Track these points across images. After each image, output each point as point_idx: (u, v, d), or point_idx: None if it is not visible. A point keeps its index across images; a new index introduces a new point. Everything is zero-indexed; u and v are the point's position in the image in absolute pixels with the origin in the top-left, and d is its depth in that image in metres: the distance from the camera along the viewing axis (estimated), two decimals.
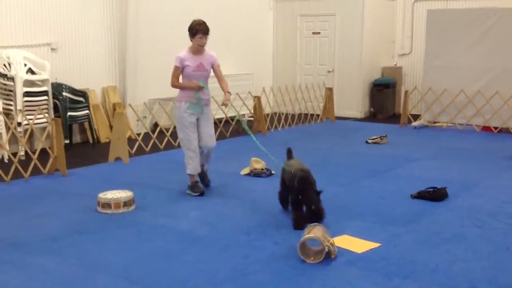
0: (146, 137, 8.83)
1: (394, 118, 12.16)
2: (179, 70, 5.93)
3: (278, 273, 4.06)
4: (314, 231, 4.35)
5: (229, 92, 6.02)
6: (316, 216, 4.98)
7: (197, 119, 6.10)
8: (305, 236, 4.31)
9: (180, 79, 6.05)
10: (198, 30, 5.78)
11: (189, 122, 6.01)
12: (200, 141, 6.14)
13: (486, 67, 10.23)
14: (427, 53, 10.95)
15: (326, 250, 4.21)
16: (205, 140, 6.16)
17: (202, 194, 6.10)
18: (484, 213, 5.47)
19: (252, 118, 10.66)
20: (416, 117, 11.42)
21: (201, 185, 6.26)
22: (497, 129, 10.30)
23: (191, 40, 5.89)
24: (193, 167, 6.10)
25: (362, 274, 4.03)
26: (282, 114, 10.96)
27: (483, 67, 10.26)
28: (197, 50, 5.94)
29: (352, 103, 12.74)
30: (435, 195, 5.86)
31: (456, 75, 10.52)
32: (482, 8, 10.47)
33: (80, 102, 9.08)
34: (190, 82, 5.97)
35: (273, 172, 7.13)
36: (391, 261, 4.27)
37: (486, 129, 10.44)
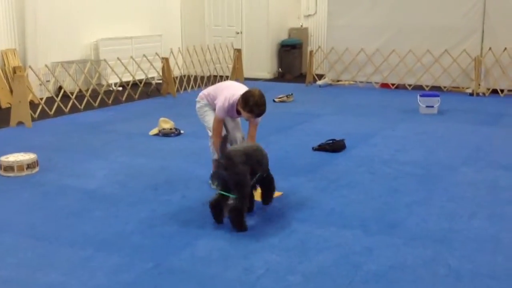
0: (50, 101, 8.60)
1: (301, 78, 12.55)
2: (222, 123, 4.89)
3: (184, 224, 4.23)
4: None
5: None
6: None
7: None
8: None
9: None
10: (253, 111, 4.60)
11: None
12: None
13: (384, 26, 10.78)
14: (329, 13, 11.37)
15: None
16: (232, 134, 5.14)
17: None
18: (378, 160, 5.91)
19: (161, 80, 10.62)
20: (321, 76, 11.85)
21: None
22: (394, 86, 10.97)
23: (239, 107, 4.67)
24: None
25: (263, 219, 4.29)
26: (191, 76, 11.00)
27: (381, 26, 10.81)
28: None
29: (261, 64, 12.98)
30: (334, 146, 6.25)
31: (356, 34, 11.02)
32: None
33: None
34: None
35: (181, 131, 7.24)
36: (290, 207, 4.57)
37: (384, 86, 11.07)
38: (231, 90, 4.80)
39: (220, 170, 4.16)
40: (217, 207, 4.19)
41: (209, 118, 5.00)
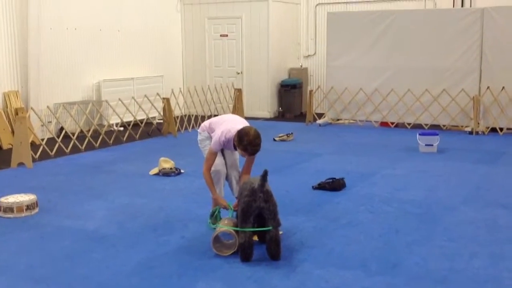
0: (51, 142, 8.65)
1: (301, 117, 12.63)
2: (215, 155, 4.92)
3: (183, 264, 4.20)
4: (227, 224, 4.50)
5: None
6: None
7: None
8: (218, 230, 4.46)
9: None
10: (247, 149, 4.64)
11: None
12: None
13: (382, 66, 10.92)
14: (328, 54, 11.52)
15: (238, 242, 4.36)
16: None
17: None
18: (378, 200, 5.90)
19: (162, 120, 10.71)
20: (321, 115, 11.94)
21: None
22: (394, 124, 11.03)
23: (235, 143, 4.71)
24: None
25: (262, 260, 4.26)
26: (192, 115, 11.09)
27: (379, 66, 10.95)
28: None
29: (261, 103, 13.10)
30: (334, 185, 6.25)
31: (355, 74, 11.15)
32: (378, 11, 11.15)
33: None
34: (219, 196, 5.01)
35: (182, 171, 7.25)
36: (290, 246, 4.53)
37: (384, 124, 11.13)
38: (229, 125, 4.84)
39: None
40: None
41: None
